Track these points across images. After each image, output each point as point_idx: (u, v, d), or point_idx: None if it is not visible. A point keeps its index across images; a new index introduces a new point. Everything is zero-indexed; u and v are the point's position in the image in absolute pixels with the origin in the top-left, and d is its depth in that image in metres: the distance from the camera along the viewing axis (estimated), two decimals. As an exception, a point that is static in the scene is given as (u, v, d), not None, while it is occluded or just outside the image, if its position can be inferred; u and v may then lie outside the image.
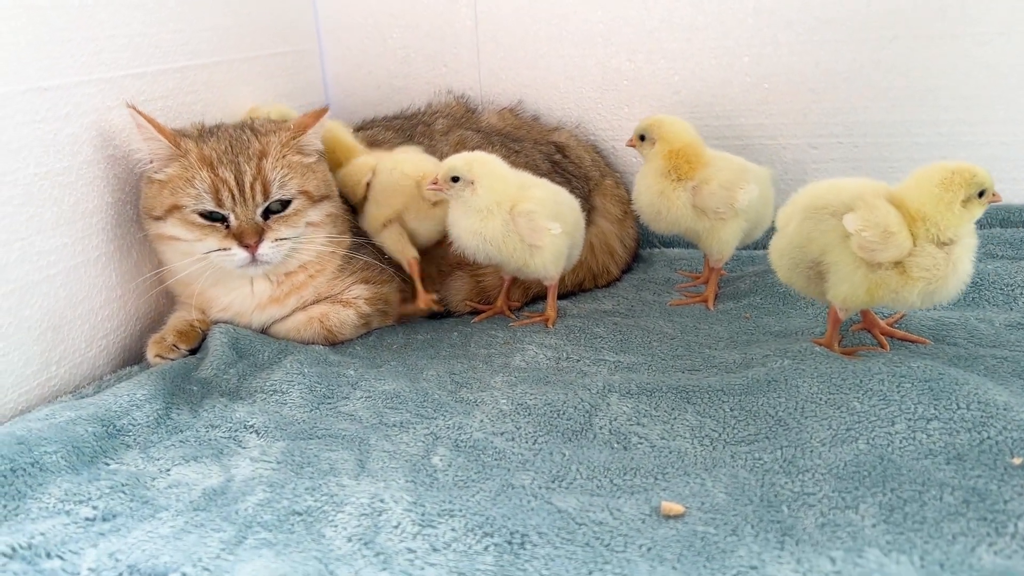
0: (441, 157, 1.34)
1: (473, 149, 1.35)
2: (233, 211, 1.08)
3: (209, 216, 1.08)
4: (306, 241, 1.13)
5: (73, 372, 1.07)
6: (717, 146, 1.45)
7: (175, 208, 1.08)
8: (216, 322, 1.16)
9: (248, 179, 1.08)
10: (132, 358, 1.16)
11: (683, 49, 1.51)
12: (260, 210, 1.09)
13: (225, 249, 1.08)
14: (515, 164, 1.37)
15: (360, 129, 1.38)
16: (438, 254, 1.27)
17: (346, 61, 1.70)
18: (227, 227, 1.08)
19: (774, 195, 1.25)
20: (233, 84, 1.41)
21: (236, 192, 1.07)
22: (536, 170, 1.39)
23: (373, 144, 1.29)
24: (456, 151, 1.34)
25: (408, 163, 1.23)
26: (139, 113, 1.07)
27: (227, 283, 1.14)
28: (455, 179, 1.12)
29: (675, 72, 1.53)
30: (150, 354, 1.11)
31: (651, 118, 1.24)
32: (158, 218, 1.09)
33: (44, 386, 1.03)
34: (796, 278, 1.01)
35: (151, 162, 1.10)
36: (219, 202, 1.07)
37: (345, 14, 1.68)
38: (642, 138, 1.24)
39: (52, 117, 1.04)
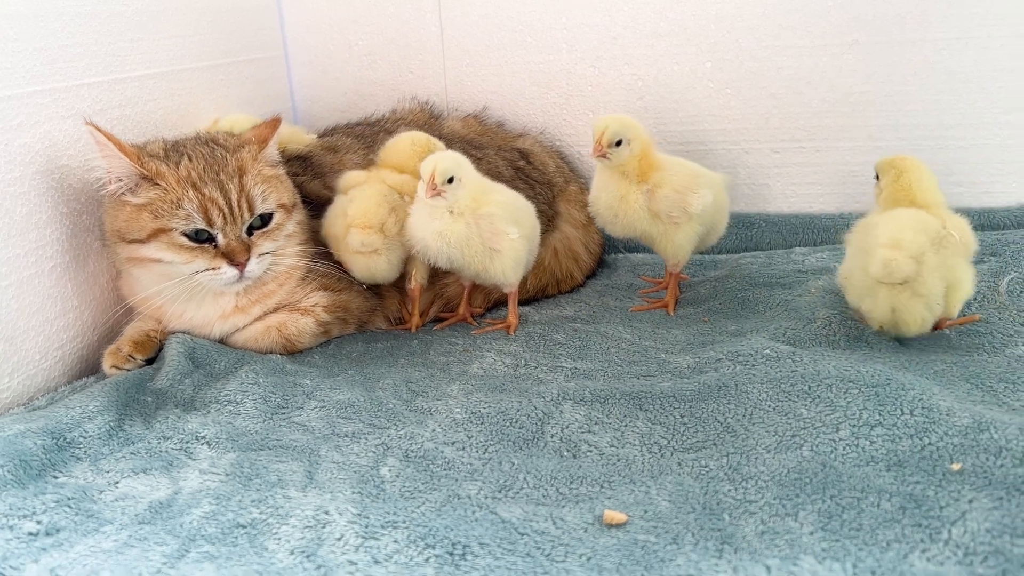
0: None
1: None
2: (223, 230, 1.08)
3: (195, 237, 1.07)
4: (283, 253, 1.15)
5: (26, 384, 1.06)
6: (680, 152, 1.47)
7: (161, 232, 1.06)
8: (174, 332, 1.15)
9: (235, 197, 1.08)
10: (89, 369, 1.15)
11: (646, 55, 1.52)
12: (246, 227, 1.10)
13: (214, 269, 1.07)
14: (478, 170, 1.37)
15: (322, 136, 1.37)
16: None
17: (312, 68, 1.70)
18: (215, 246, 1.08)
19: (728, 201, 1.25)
20: (195, 93, 1.41)
21: (226, 211, 1.07)
22: (499, 176, 1.39)
23: (332, 150, 1.29)
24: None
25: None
26: (99, 131, 1.04)
27: (199, 299, 1.13)
28: (450, 180, 1.12)
29: (639, 78, 1.53)
30: (106, 365, 1.10)
31: (619, 119, 1.18)
32: (137, 241, 1.07)
33: (-4, 398, 1.02)
34: None
35: (115, 182, 1.07)
36: (210, 222, 1.07)
37: (311, 21, 1.68)
38: (618, 143, 1.16)
39: (4, 127, 1.03)
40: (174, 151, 1.11)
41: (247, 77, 1.55)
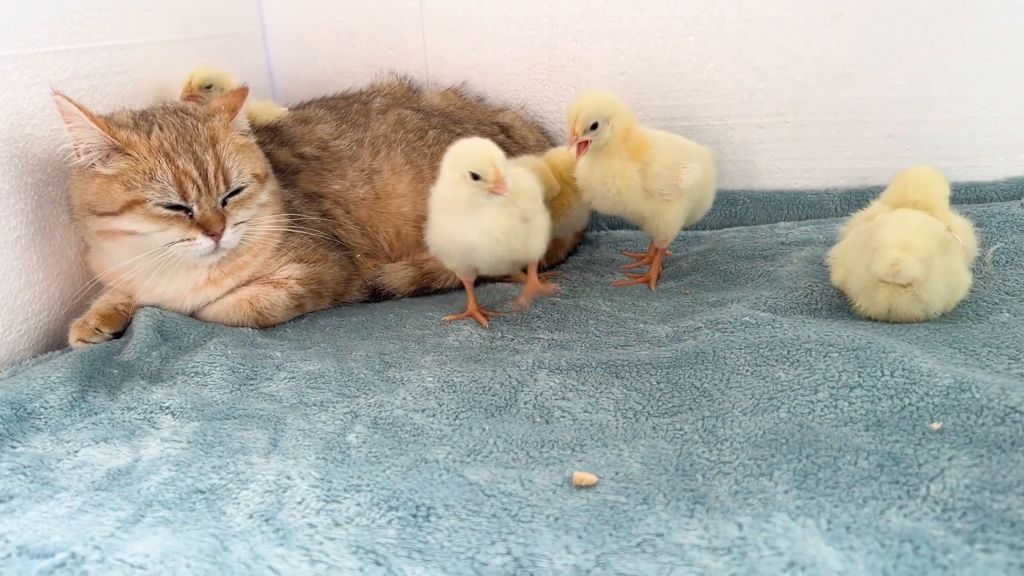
0: (377, 137, 1.32)
1: (412, 130, 1.33)
2: (197, 202, 1.05)
3: (169, 206, 1.05)
4: (256, 222, 1.13)
5: (-11, 356, 1.04)
6: (663, 127, 1.44)
7: (135, 203, 1.04)
8: (143, 306, 1.12)
9: (211, 168, 1.06)
10: (55, 343, 1.13)
11: (628, 29, 1.49)
12: (222, 198, 1.08)
13: (189, 239, 1.05)
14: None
15: (296, 109, 1.35)
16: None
17: (290, 44, 1.67)
18: (190, 216, 1.06)
19: (716, 174, 1.23)
20: (168, 66, 1.38)
21: (200, 183, 1.05)
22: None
23: (303, 121, 1.26)
24: (394, 131, 1.32)
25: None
26: (67, 100, 1.01)
27: (172, 272, 1.11)
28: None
29: (621, 52, 1.51)
30: (72, 338, 1.08)
31: (592, 98, 1.12)
32: (109, 214, 1.05)
33: (-43, 371, 1.00)
34: None
35: (84, 153, 1.04)
36: (184, 195, 1.05)
37: (289, -4, 1.65)
38: (594, 126, 1.10)
39: (-37, 93, 1.00)
40: (143, 120, 1.08)
41: (223, 52, 1.52)
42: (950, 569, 0.56)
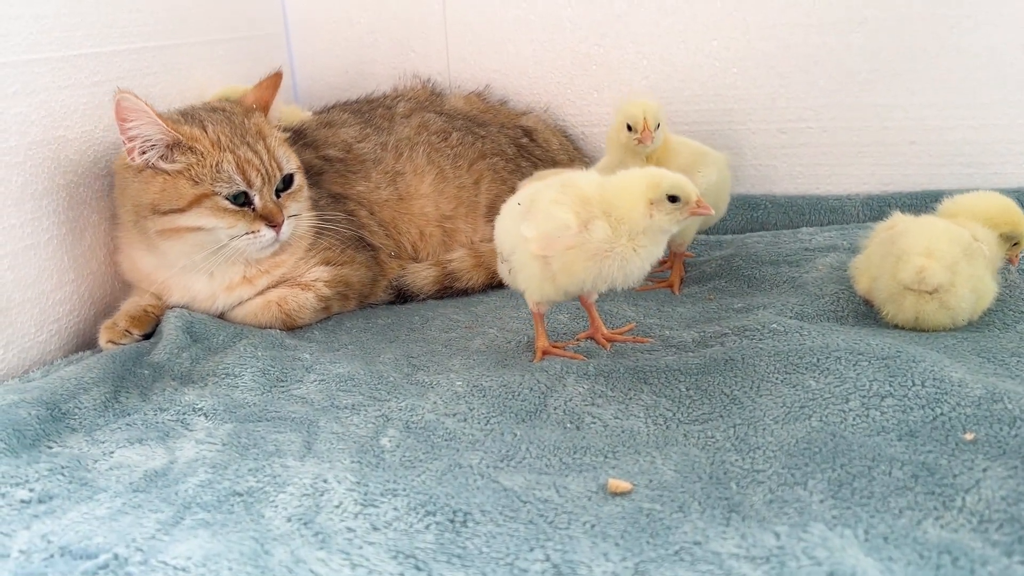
0: (401, 140, 1.33)
1: (436, 132, 1.34)
2: (260, 192, 1.08)
3: (234, 201, 1.07)
4: (304, 216, 1.16)
5: (22, 357, 1.05)
6: (685, 132, 1.45)
7: (203, 197, 1.05)
8: (172, 307, 1.13)
9: (265, 158, 1.09)
10: (85, 343, 1.14)
11: (651, 33, 1.50)
12: (275, 189, 1.10)
13: (254, 232, 1.08)
14: (480, 149, 1.36)
15: (320, 112, 1.36)
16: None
17: (313, 46, 1.68)
18: (252, 210, 1.08)
19: (731, 179, 1.23)
20: (195, 68, 1.39)
21: (262, 171, 1.08)
22: (502, 155, 1.37)
23: (327, 125, 1.28)
24: (418, 134, 1.33)
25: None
26: (136, 97, 1.01)
27: (214, 269, 1.11)
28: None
29: (643, 56, 1.51)
30: (102, 340, 1.09)
31: (652, 102, 1.13)
32: (175, 211, 1.05)
33: (-9, 370, 1.01)
34: None
35: (142, 153, 1.04)
36: (249, 183, 1.07)
37: (312, -2, 1.66)
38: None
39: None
40: (191, 117, 1.10)
41: (247, 54, 1.53)
42: (989, 581, 0.56)
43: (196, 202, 1.05)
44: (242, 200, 1.07)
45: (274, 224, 1.08)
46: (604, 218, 0.89)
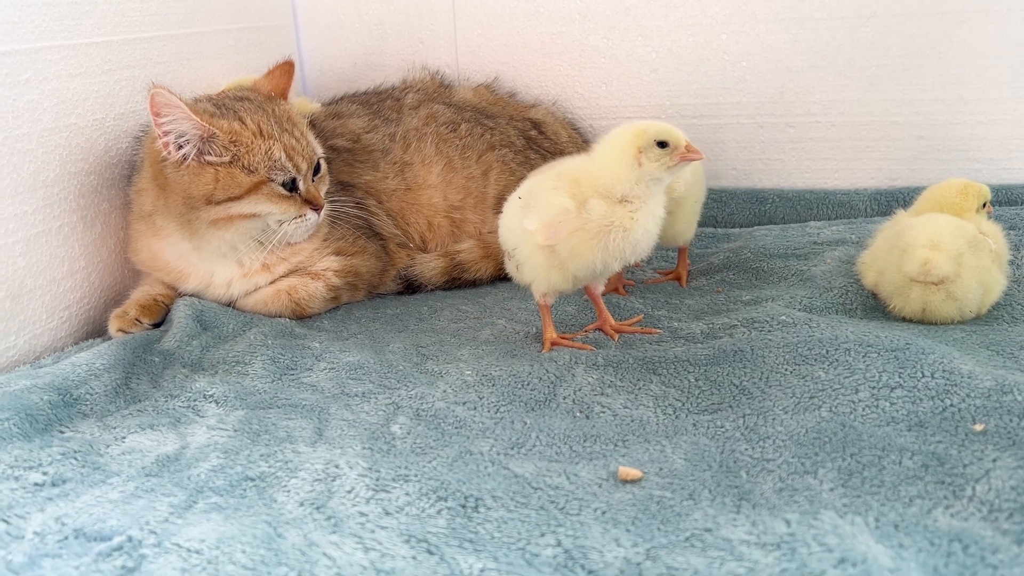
0: (409, 131, 1.33)
1: (444, 123, 1.34)
2: (305, 176, 1.11)
3: (285, 186, 1.09)
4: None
5: (32, 343, 1.05)
6: (693, 125, 1.45)
7: (261, 184, 1.07)
8: (183, 294, 1.14)
9: (303, 144, 1.11)
10: (95, 331, 1.14)
11: (660, 26, 1.50)
12: (311, 174, 1.13)
13: (301, 216, 1.10)
14: (489, 140, 1.36)
15: (328, 104, 1.36)
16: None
17: (321, 37, 1.68)
18: (298, 194, 1.10)
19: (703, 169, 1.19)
20: (205, 57, 1.39)
21: (306, 157, 1.10)
22: (511, 146, 1.38)
23: (335, 116, 1.28)
24: (426, 125, 1.33)
25: None
26: (171, 93, 1.01)
27: (234, 255, 1.12)
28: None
29: (652, 50, 1.51)
30: (112, 328, 1.09)
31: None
32: (232, 199, 1.06)
33: (2, 356, 1.01)
34: None
35: (177, 148, 1.04)
36: (297, 168, 1.09)
37: (321, -11, 1.66)
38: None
39: (11, 82, 1.02)
40: (224, 109, 1.10)
41: (256, 44, 1.53)
42: (1000, 569, 0.56)
43: (253, 189, 1.07)
44: (290, 186, 1.09)
45: (317, 207, 1.11)
46: (596, 195, 0.91)
